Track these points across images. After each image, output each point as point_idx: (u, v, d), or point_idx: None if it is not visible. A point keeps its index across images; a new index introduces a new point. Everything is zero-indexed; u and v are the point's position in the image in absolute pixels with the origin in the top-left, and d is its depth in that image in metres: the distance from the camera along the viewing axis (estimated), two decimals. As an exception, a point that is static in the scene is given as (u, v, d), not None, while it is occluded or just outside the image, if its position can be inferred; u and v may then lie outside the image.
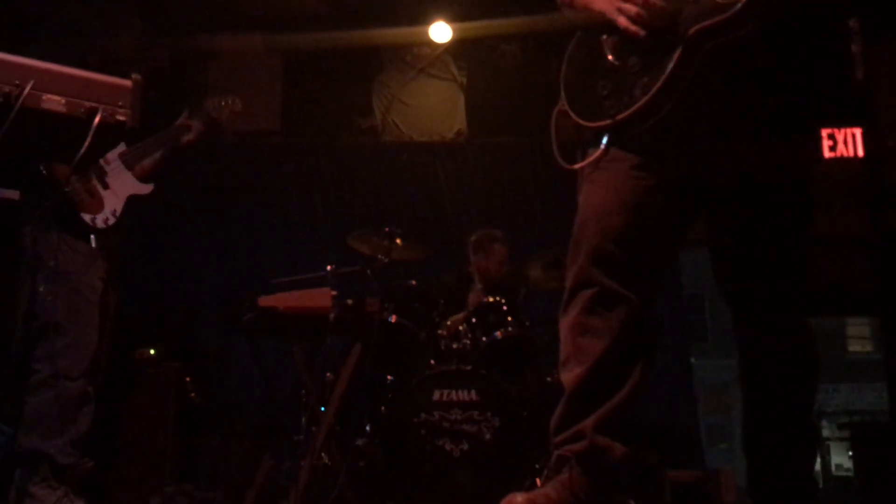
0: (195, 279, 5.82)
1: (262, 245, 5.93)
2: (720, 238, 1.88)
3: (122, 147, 3.10)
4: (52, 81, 1.80)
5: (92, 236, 2.95)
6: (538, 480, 1.86)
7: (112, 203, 3.02)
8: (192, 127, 3.25)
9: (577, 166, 1.87)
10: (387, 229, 4.26)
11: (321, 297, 3.43)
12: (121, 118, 1.99)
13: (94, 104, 1.83)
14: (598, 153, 1.80)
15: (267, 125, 6.25)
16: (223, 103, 3.31)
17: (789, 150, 1.76)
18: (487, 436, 3.70)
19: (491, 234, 4.78)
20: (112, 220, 3.00)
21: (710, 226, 1.88)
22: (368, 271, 4.11)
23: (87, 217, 2.95)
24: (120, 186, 3.05)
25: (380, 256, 4.15)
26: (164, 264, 5.74)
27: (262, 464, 3.56)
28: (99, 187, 3.00)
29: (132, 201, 3.08)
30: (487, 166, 6.22)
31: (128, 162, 3.10)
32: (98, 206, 2.98)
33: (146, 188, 3.12)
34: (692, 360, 6.27)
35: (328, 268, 3.91)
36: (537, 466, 3.60)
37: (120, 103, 1.86)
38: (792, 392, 1.84)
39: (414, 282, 4.28)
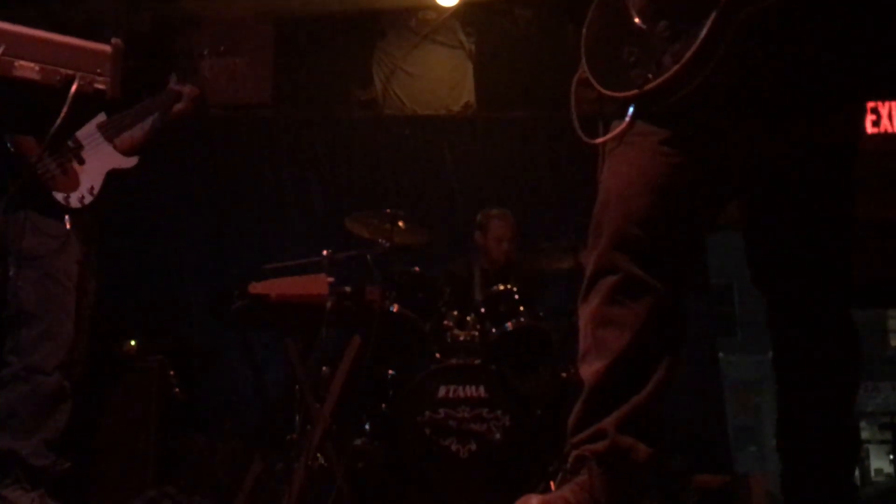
0: (179, 265, 5.83)
1: (251, 228, 5.93)
2: (755, 222, 1.87)
3: (101, 117, 3.03)
4: (24, 46, 1.79)
5: (66, 217, 2.89)
6: (552, 484, 1.86)
7: (89, 180, 2.95)
8: (184, 94, 3.18)
9: (598, 141, 1.85)
10: (388, 211, 4.27)
11: (316, 285, 3.44)
12: (100, 87, 1.98)
13: (70, 71, 1.82)
14: (622, 127, 1.79)
15: (257, 97, 6.24)
16: (222, 63, 3.26)
17: (833, 125, 1.75)
18: (497, 435, 3.71)
19: (490, 212, 4.83)
20: (89, 199, 2.94)
21: (744, 208, 1.87)
22: (368, 257, 4.12)
23: (59, 196, 2.88)
24: (98, 161, 2.98)
25: (380, 240, 4.15)
26: (144, 249, 5.74)
27: (252, 465, 3.58)
28: (74, 162, 2.94)
29: (113, 177, 3.01)
30: (498, 142, 6.21)
31: (108, 133, 3.03)
32: (72, 183, 2.92)
33: (129, 161, 3.05)
34: (720, 355, 6.28)
35: (324, 252, 3.92)
36: (551, 469, 3.61)
37: (98, 71, 1.86)
38: (832, 390, 1.84)
39: (417, 268, 4.29)
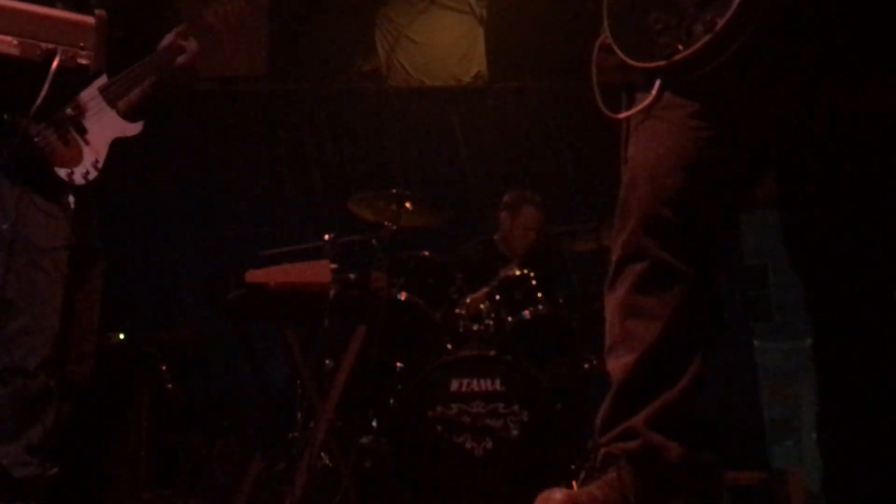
0: (170, 252, 5.86)
1: (247, 211, 5.95)
2: (792, 198, 1.86)
3: (102, 79, 2.89)
4: (2, 19, 1.78)
5: (71, 197, 2.78)
6: (574, 484, 1.87)
7: (93, 151, 2.82)
8: (187, 48, 3.05)
9: (622, 115, 1.84)
10: (394, 191, 4.28)
11: (318, 272, 3.44)
12: (83, 62, 1.98)
13: (51, 45, 1.82)
14: (649, 99, 1.78)
15: (251, 69, 6.24)
16: (227, 8, 3.17)
17: (882, 93, 1.73)
18: (514, 432, 3.73)
19: (524, 195, 4.83)
20: (94, 174, 2.81)
21: (783, 184, 1.86)
22: (373, 241, 4.13)
23: (62, 172, 2.76)
24: (101, 129, 2.85)
25: (386, 223, 4.16)
26: (133, 234, 5.75)
27: (251, 466, 3.61)
28: (75, 133, 2.80)
29: (117, 146, 2.86)
30: (512, 115, 6.20)
31: (110, 97, 2.89)
32: (76, 156, 2.79)
33: (134, 128, 2.92)
34: (754, 342, 6.28)
35: (326, 237, 3.93)
36: (573, 468, 3.63)
37: (81, 44, 1.85)
38: (879, 379, 1.83)
39: (427, 252, 4.29)
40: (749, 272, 6.48)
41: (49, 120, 2.74)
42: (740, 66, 1.69)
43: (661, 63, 1.73)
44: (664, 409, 1.75)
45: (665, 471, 1.75)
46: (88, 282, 2.93)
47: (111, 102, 2.90)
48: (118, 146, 2.90)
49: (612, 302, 1.83)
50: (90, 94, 2.87)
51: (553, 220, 4.93)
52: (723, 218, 1.84)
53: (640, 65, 1.78)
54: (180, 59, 3.04)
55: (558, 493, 1.69)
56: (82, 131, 2.83)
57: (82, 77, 2.67)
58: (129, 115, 2.94)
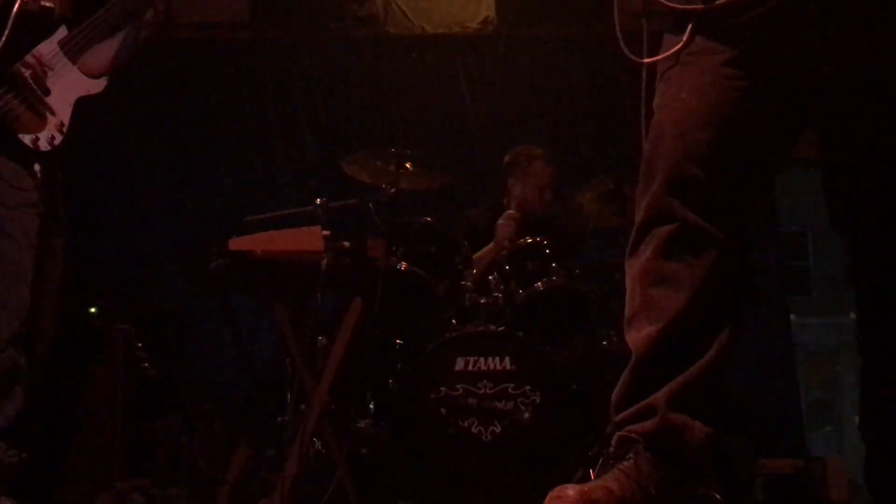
0: (146, 218, 5.87)
1: (231, 173, 5.96)
2: (835, 156, 1.86)
3: (62, 32, 2.85)
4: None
5: (37, 165, 2.79)
6: (591, 472, 1.88)
7: (57, 114, 2.82)
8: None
9: (649, 60, 1.84)
10: (393, 150, 4.26)
11: (309, 239, 3.45)
12: (46, 4, 1.98)
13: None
14: (680, 44, 1.78)
15: (232, 15, 6.20)
16: None
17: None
18: (526, 415, 3.75)
19: (530, 151, 4.84)
20: (59, 139, 2.81)
21: (827, 141, 1.86)
22: (370, 205, 4.12)
23: (27, 139, 2.76)
24: (65, 89, 2.84)
25: (384, 185, 4.15)
26: (104, 199, 5.77)
27: (237, 453, 3.63)
28: (38, 95, 2.79)
29: (82, 106, 2.85)
30: (524, 65, 6.18)
31: (72, 52, 2.86)
32: (40, 121, 2.79)
33: (97, 86, 2.91)
34: (791, 318, 6.30)
35: (317, 201, 3.93)
36: (591, 454, 3.64)
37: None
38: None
39: (430, 218, 4.28)
40: (786, 240, 6.50)
41: (10, 83, 2.74)
42: (784, 10, 1.69)
43: (699, 7, 1.74)
44: (687, 385, 1.76)
45: (687, 455, 1.76)
46: (51, 254, 2.94)
47: (73, 58, 2.88)
48: (83, 105, 2.89)
49: (633, 268, 1.84)
50: (50, 51, 2.84)
51: (569, 183, 4.93)
52: (758, 178, 1.85)
53: (674, 7, 1.78)
54: (149, 14, 3.01)
55: (571, 490, 1.70)
56: (45, 92, 2.82)
57: (45, 24, 2.65)
58: (95, 73, 2.92)
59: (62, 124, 2.84)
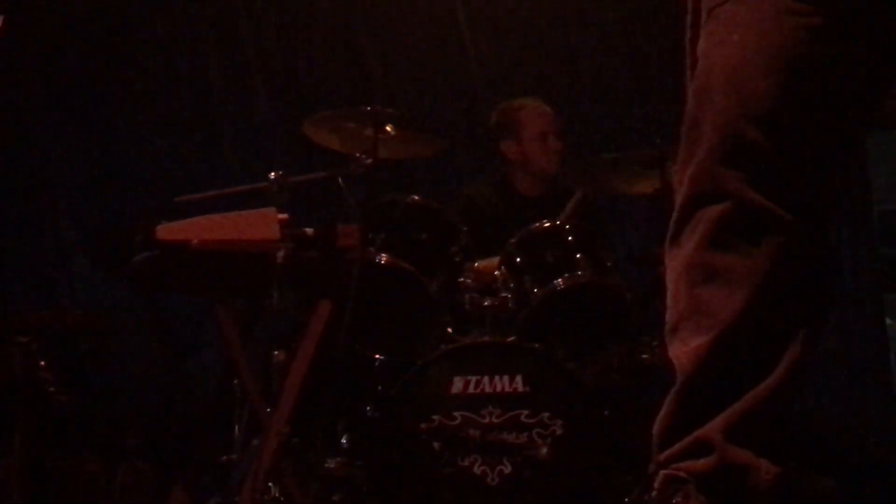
0: (50, 198, 5.85)
1: (160, 138, 5.94)
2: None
3: None
4: None
5: None
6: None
7: None
8: None
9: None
10: (370, 109, 4.26)
11: (262, 225, 3.45)
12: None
13: None
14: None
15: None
16: None
17: None
18: (544, 450, 3.76)
19: (517, 102, 4.95)
20: None
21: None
22: (340, 179, 4.12)
23: None
24: None
25: (359, 154, 4.15)
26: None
27: (170, 498, 3.64)
28: None
29: None
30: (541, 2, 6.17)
31: None
32: None
33: None
34: (887, 321, 6.29)
35: (272, 175, 3.92)
36: (628, 501, 3.66)
37: None
38: None
39: (417, 196, 4.29)
40: (882, 221, 6.45)
41: None
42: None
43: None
44: (750, 412, 1.76)
45: (753, 500, 1.76)
46: None
47: None
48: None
49: (676, 261, 1.84)
50: None
51: (599, 150, 4.94)
52: (837, 140, 1.85)
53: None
54: None
55: None
56: None
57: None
58: None
59: None
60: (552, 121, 4.88)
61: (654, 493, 1.82)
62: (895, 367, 6.03)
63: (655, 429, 1.84)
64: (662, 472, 1.81)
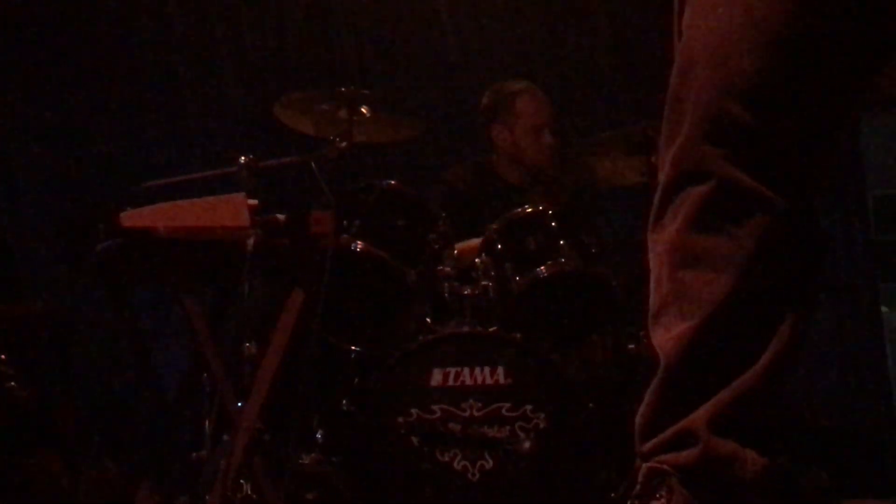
0: (7, 181, 5.84)
1: (123, 120, 5.92)
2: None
3: None
4: None
5: None
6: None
7: None
8: None
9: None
10: (344, 89, 4.26)
11: (230, 211, 3.45)
12: None
13: None
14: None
15: None
16: None
17: None
18: (526, 444, 3.77)
19: (511, 86, 4.94)
20: None
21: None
22: (313, 164, 4.12)
23: None
24: None
25: (333, 138, 4.15)
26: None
27: (137, 497, 3.64)
28: None
29: None
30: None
31: None
32: None
33: None
34: (882, 310, 6.31)
35: (241, 159, 3.91)
36: (613, 496, 3.67)
37: None
38: None
39: (394, 181, 4.29)
40: (877, 206, 6.46)
41: None
42: None
43: None
44: (736, 401, 1.76)
45: (738, 493, 1.77)
46: None
47: None
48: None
49: (659, 244, 1.84)
50: None
51: (582, 134, 4.94)
52: (827, 120, 1.85)
53: None
54: None
55: None
56: None
57: None
58: None
59: None
60: (549, 113, 4.88)
61: (638, 489, 1.82)
62: (890, 356, 6.05)
63: (638, 419, 1.85)
64: (645, 465, 1.82)
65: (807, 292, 1.84)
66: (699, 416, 1.77)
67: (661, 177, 1.85)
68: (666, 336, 1.81)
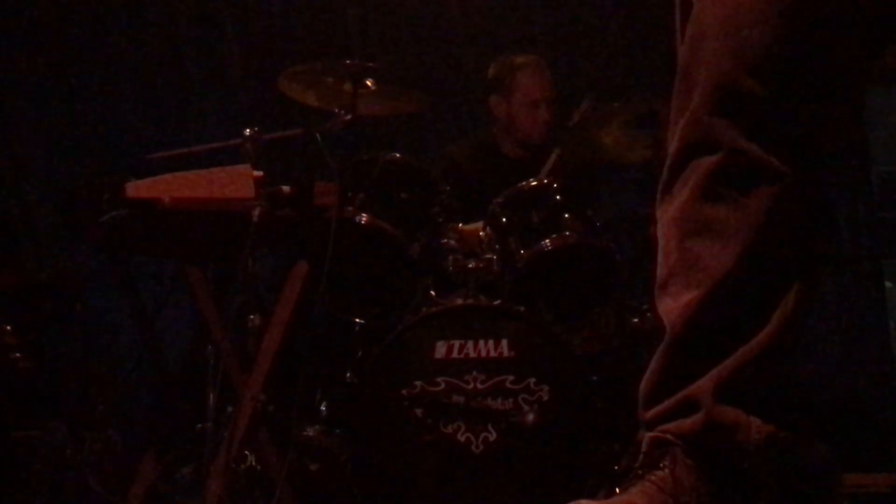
0: (13, 152, 5.83)
1: (128, 92, 5.91)
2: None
3: None
4: None
5: None
6: (618, 491, 1.89)
7: None
8: None
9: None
10: (348, 62, 4.25)
11: (235, 183, 3.44)
12: None
13: None
14: None
15: None
16: None
17: None
18: (530, 416, 3.77)
19: (512, 59, 4.95)
20: None
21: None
22: (318, 136, 4.11)
23: None
24: None
25: (338, 110, 4.15)
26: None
27: (141, 470, 3.64)
28: None
29: None
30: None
31: None
32: None
33: None
34: (886, 285, 6.31)
35: (246, 131, 3.91)
36: (617, 469, 3.68)
37: None
38: None
39: (398, 154, 4.29)
40: (881, 182, 6.45)
41: None
42: None
43: None
44: (740, 369, 1.77)
45: (740, 461, 1.78)
46: None
47: None
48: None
49: (667, 214, 1.84)
50: None
51: (587, 108, 4.94)
52: (835, 92, 1.84)
53: None
54: None
55: None
56: None
57: None
58: None
59: None
60: (547, 88, 4.90)
61: (641, 458, 1.82)
62: (893, 331, 6.05)
63: (642, 387, 1.85)
64: (648, 435, 1.83)
65: (813, 263, 1.85)
66: (703, 383, 1.77)
67: (671, 148, 1.85)
68: (672, 305, 1.82)
